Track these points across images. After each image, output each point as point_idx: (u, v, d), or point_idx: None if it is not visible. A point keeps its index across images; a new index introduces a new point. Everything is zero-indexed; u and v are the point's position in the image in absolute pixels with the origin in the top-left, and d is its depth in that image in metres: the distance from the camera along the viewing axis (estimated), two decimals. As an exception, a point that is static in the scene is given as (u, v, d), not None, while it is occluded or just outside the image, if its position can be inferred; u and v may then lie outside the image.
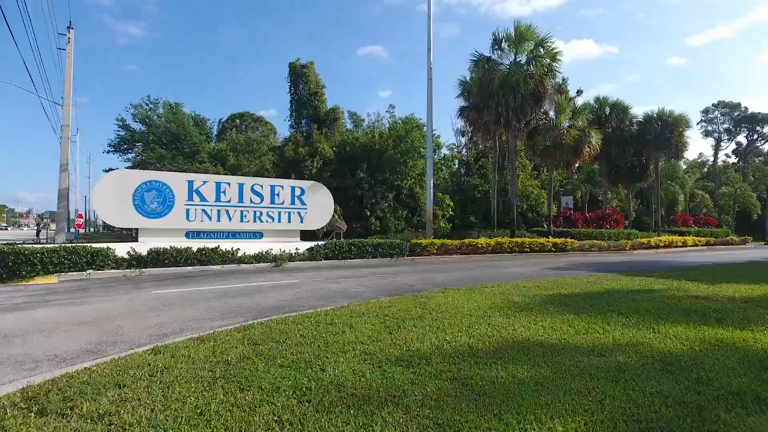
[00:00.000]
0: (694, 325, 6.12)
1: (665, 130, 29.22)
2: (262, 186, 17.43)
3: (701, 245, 32.76)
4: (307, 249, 16.73)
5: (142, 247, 14.49)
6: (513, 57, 22.48)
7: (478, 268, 15.29)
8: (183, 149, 37.44)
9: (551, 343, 5.22)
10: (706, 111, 67.61)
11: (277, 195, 17.61)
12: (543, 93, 21.42)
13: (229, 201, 16.73)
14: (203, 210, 16.35)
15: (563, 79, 60.83)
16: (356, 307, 7.46)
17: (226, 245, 15.39)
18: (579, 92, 63.25)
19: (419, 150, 39.04)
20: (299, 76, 37.86)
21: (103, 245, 14.01)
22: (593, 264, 17.47)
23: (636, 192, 40.75)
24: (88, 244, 13.79)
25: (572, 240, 23.06)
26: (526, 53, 22.31)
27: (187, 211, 16.14)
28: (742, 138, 67.31)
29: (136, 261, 13.98)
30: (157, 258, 14.15)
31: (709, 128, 67.62)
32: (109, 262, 13.56)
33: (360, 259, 17.17)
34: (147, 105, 36.75)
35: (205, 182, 16.49)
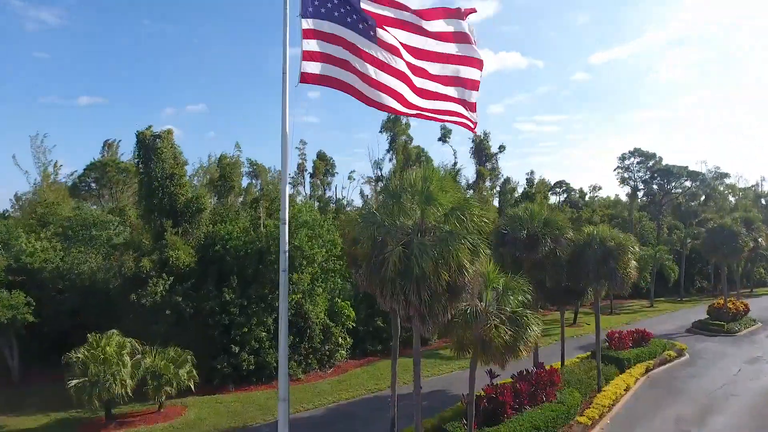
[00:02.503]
0: None
1: (608, 259, 23.37)
2: None
3: (641, 377, 27.87)
4: None
5: None
6: (419, 217, 14.57)
7: None
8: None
9: None
10: (622, 158, 66.20)
11: None
12: (463, 283, 13.92)
13: None
14: None
15: (484, 133, 55.30)
16: None
17: None
18: (501, 148, 57.84)
19: (314, 246, 30.16)
20: (150, 150, 27.17)
21: None
22: None
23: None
24: None
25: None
26: (441, 211, 14.55)
27: None
28: (655, 185, 66.84)
29: None
30: None
31: (626, 175, 66.34)
32: None
33: None
34: None
35: None
